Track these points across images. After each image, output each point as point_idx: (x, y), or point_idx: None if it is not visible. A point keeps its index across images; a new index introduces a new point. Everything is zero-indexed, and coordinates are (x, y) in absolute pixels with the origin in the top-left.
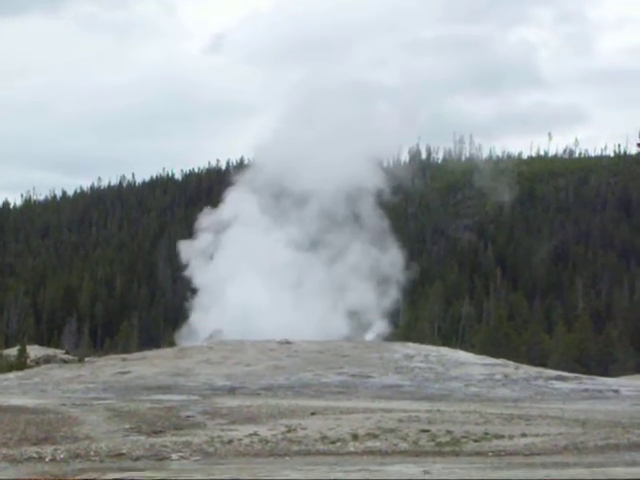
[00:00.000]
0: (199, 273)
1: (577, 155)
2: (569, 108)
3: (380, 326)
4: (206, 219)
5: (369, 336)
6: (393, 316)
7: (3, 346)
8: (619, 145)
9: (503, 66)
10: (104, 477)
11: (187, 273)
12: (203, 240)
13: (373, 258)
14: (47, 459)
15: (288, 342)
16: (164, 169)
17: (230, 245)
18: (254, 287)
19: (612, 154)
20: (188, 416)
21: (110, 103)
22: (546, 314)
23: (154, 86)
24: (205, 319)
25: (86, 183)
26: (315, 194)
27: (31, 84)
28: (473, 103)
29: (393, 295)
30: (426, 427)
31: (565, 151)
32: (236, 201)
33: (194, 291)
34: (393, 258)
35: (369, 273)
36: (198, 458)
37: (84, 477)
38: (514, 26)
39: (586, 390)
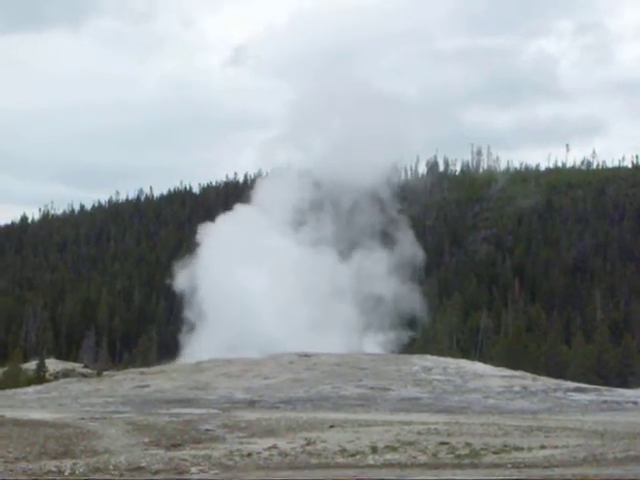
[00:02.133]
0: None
1: (595, 166)
2: (587, 119)
3: (398, 336)
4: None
5: (384, 347)
6: (411, 328)
7: (22, 360)
8: (637, 156)
9: (522, 77)
10: None
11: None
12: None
13: (391, 270)
14: (66, 473)
15: (307, 355)
16: (182, 182)
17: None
18: (269, 295)
19: (630, 165)
20: (207, 429)
21: (129, 117)
22: (564, 325)
23: (172, 100)
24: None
25: (104, 197)
26: (333, 203)
27: (50, 98)
28: (492, 115)
29: (411, 307)
30: (445, 439)
31: (583, 162)
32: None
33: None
34: (411, 269)
35: (386, 286)
36: (217, 472)
37: None
38: (534, 38)
39: (605, 402)
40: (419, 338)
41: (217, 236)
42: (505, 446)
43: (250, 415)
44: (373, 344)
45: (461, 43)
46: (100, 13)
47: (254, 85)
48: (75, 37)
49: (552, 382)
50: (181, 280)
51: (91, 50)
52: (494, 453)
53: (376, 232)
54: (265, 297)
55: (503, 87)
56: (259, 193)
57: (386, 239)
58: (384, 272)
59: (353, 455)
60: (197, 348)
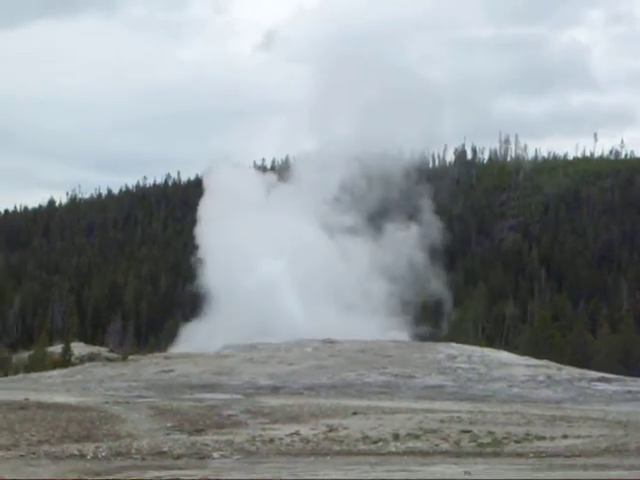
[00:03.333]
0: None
1: (623, 156)
2: (617, 109)
3: (422, 327)
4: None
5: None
6: (437, 316)
7: (48, 344)
8: None
9: (553, 67)
10: (144, 476)
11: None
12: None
13: (417, 257)
14: (89, 456)
15: (331, 342)
16: (210, 168)
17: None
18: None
19: None
20: (230, 415)
21: (158, 102)
22: (590, 315)
23: (202, 85)
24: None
25: (132, 181)
26: (358, 188)
27: (79, 83)
28: (521, 104)
29: (437, 295)
30: (468, 428)
31: (611, 152)
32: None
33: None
34: (437, 257)
35: (411, 273)
36: (239, 457)
37: (124, 476)
38: (565, 27)
39: (629, 392)
40: (444, 325)
41: (242, 217)
42: (527, 435)
43: (273, 401)
44: (398, 331)
45: (492, 32)
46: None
47: (284, 69)
48: (108, 23)
49: (577, 372)
50: (204, 264)
51: (123, 36)
52: (516, 442)
53: (403, 219)
54: (289, 281)
55: (533, 76)
56: (288, 176)
57: (412, 226)
58: (409, 259)
59: (375, 442)
60: (219, 334)
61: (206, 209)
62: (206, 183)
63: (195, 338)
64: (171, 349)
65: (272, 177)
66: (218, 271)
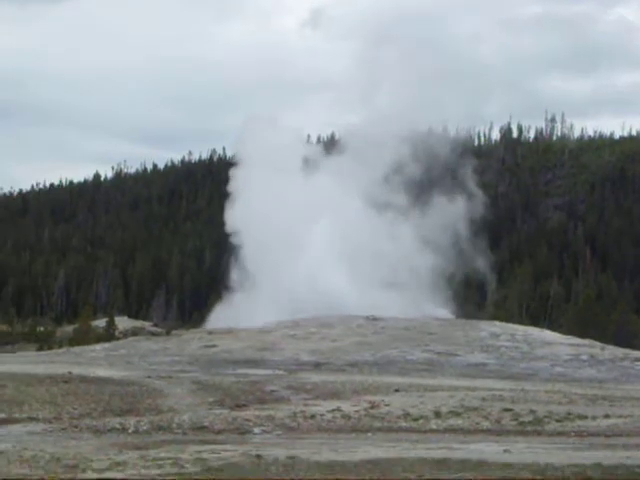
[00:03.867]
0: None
1: None
2: None
3: (466, 305)
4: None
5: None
6: (481, 294)
7: (92, 318)
8: None
9: (601, 46)
10: (185, 450)
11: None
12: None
13: (462, 234)
14: (130, 430)
15: (375, 318)
16: (246, 129)
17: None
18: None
19: None
20: (272, 390)
21: (205, 78)
22: (635, 295)
23: (249, 61)
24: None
25: (177, 157)
26: (404, 164)
27: (127, 58)
28: (568, 82)
29: (481, 273)
30: (509, 406)
31: None
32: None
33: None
34: (481, 238)
35: (456, 250)
36: (280, 432)
37: (164, 449)
38: (613, 5)
39: None
40: (488, 304)
41: (283, 187)
42: (569, 414)
43: (315, 377)
44: (442, 308)
45: (539, 10)
46: None
47: (330, 47)
48: None
49: (620, 351)
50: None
51: (172, 11)
52: (557, 421)
53: (448, 195)
54: (334, 257)
55: (580, 55)
56: (333, 151)
57: (458, 202)
58: (455, 236)
59: (416, 420)
60: (262, 310)
61: (243, 178)
62: (241, 149)
63: (237, 314)
64: (208, 325)
65: (318, 150)
66: (260, 246)
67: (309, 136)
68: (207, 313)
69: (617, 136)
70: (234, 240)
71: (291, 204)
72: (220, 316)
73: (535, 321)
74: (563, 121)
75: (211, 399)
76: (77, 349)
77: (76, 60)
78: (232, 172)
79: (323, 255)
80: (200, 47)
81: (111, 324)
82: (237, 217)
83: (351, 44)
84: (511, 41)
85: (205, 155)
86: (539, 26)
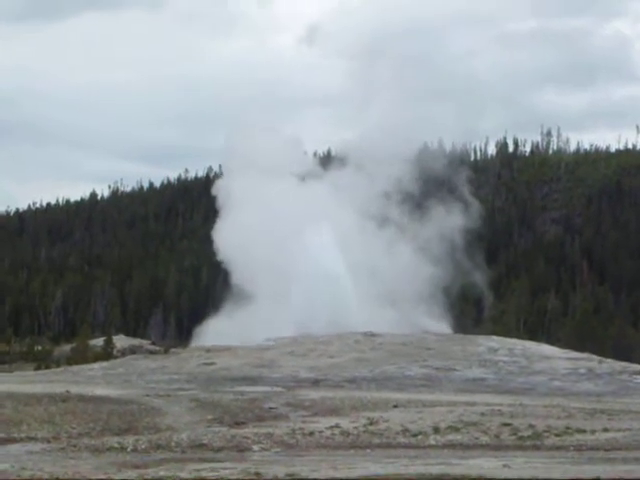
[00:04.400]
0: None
1: None
2: None
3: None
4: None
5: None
6: (478, 309)
7: (90, 336)
8: None
9: (596, 59)
10: (184, 469)
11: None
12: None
13: (459, 249)
14: (129, 449)
15: (373, 334)
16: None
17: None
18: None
19: None
20: (271, 408)
21: (200, 95)
22: (632, 308)
23: (244, 78)
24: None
25: (173, 174)
26: (400, 181)
27: (123, 76)
28: (564, 96)
29: (479, 288)
30: (508, 421)
31: None
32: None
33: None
34: (477, 253)
35: (453, 265)
36: (279, 450)
37: (163, 468)
38: (609, 19)
39: None
40: (486, 318)
41: (280, 199)
42: (568, 428)
43: (314, 394)
44: (439, 324)
45: (535, 24)
46: None
47: (327, 63)
48: (153, 16)
49: (618, 365)
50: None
51: (167, 29)
52: (556, 435)
53: (445, 210)
54: (333, 273)
55: (576, 69)
56: (330, 167)
57: (455, 217)
58: (452, 251)
59: (415, 435)
60: (258, 326)
61: (231, 189)
62: (230, 156)
63: (233, 330)
64: (203, 341)
65: (313, 163)
66: (254, 260)
67: (305, 152)
68: (203, 330)
69: (613, 149)
70: (223, 256)
71: (284, 216)
72: (216, 333)
73: (533, 335)
74: (559, 135)
75: (210, 417)
76: (75, 368)
77: (71, 78)
78: (219, 183)
79: (320, 270)
80: (196, 65)
81: (109, 343)
82: (227, 231)
83: (347, 60)
84: (507, 56)
85: (201, 173)
86: (534, 41)
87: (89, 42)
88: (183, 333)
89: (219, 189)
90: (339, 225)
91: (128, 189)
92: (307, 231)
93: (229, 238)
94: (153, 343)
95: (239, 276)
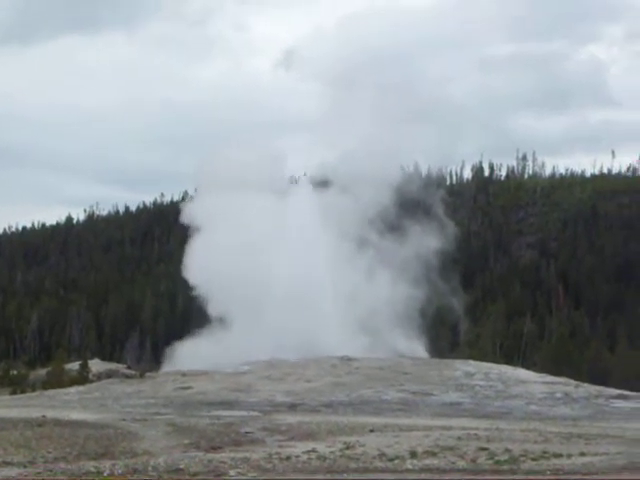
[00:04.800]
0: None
1: None
2: (635, 126)
3: (440, 344)
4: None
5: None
6: (454, 333)
7: (65, 361)
8: None
9: (573, 84)
10: None
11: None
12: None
13: (434, 274)
14: (105, 473)
15: (349, 359)
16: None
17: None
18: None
19: None
20: (247, 432)
21: (176, 118)
22: (608, 332)
23: (221, 102)
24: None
25: (149, 198)
26: (376, 204)
27: (98, 99)
28: (540, 120)
29: (455, 313)
30: (485, 445)
31: (629, 169)
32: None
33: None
34: (453, 276)
35: (429, 290)
36: (255, 475)
37: None
38: (584, 44)
39: None
40: (462, 342)
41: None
42: (545, 452)
43: (291, 418)
44: (415, 347)
45: (511, 49)
46: (156, 17)
47: (302, 88)
48: (129, 39)
49: (594, 389)
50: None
51: (143, 53)
52: (533, 459)
53: (419, 235)
54: (308, 297)
55: (551, 93)
56: (306, 191)
57: (430, 242)
58: (427, 276)
59: (392, 460)
60: (234, 350)
61: (204, 207)
62: (202, 175)
63: (208, 354)
64: (178, 365)
65: (291, 187)
66: (231, 284)
67: (282, 172)
68: (177, 353)
69: (588, 174)
70: (195, 279)
71: (257, 237)
72: (191, 356)
73: (509, 359)
74: (534, 159)
75: (186, 441)
76: (51, 392)
77: (48, 102)
78: (189, 206)
79: (296, 294)
80: (173, 88)
81: (84, 367)
82: (198, 254)
83: (324, 85)
84: (483, 80)
85: (177, 197)
86: (511, 65)
87: (66, 66)
88: (159, 357)
89: (190, 210)
90: (314, 247)
91: (104, 213)
92: (282, 252)
93: (200, 261)
94: (129, 367)
95: (212, 299)
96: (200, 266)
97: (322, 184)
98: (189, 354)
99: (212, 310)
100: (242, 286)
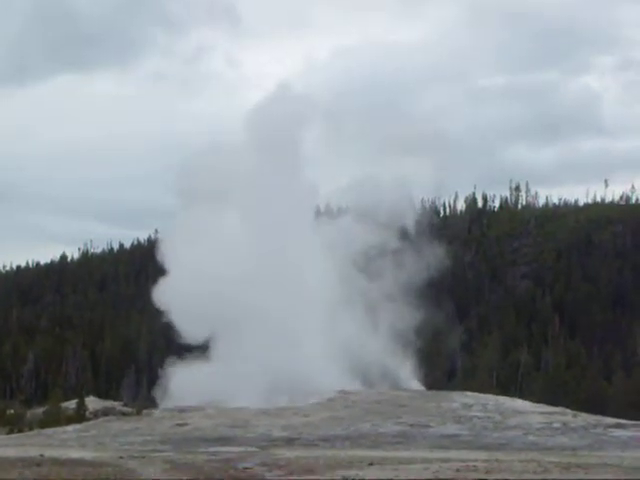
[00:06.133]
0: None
1: (634, 201)
2: (628, 155)
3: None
4: None
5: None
6: (451, 365)
7: (62, 399)
8: None
9: (565, 114)
10: None
11: None
12: None
13: (429, 306)
14: None
15: (346, 392)
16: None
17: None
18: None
19: None
20: (246, 468)
21: (169, 155)
22: (604, 361)
23: (215, 137)
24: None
25: (143, 235)
26: (369, 235)
27: (92, 136)
28: (533, 151)
29: (450, 344)
30: (484, 477)
31: (622, 197)
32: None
33: None
34: (448, 307)
35: (423, 322)
36: None
37: None
38: (577, 74)
39: None
40: (459, 374)
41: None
42: None
43: (289, 453)
44: (411, 380)
45: (504, 80)
46: (149, 54)
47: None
48: (122, 77)
49: (592, 418)
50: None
51: (137, 89)
52: None
53: (414, 266)
54: (301, 333)
55: (544, 123)
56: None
57: (424, 273)
58: (422, 307)
59: None
60: (230, 386)
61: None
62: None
63: (203, 389)
64: (164, 399)
65: None
66: (222, 319)
67: None
68: (166, 387)
69: (582, 203)
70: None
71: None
72: (182, 390)
73: (506, 390)
74: (528, 189)
75: (184, 478)
76: (48, 431)
77: (41, 140)
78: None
79: (288, 330)
80: (166, 124)
81: (81, 405)
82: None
83: (317, 116)
84: (476, 112)
85: None
86: (504, 96)
87: (59, 104)
88: (155, 395)
89: (171, 233)
90: (303, 279)
91: (98, 250)
92: (273, 284)
93: (172, 290)
94: (125, 405)
95: (190, 330)
96: (173, 294)
97: (315, 215)
98: (183, 383)
99: (192, 340)
100: (224, 319)
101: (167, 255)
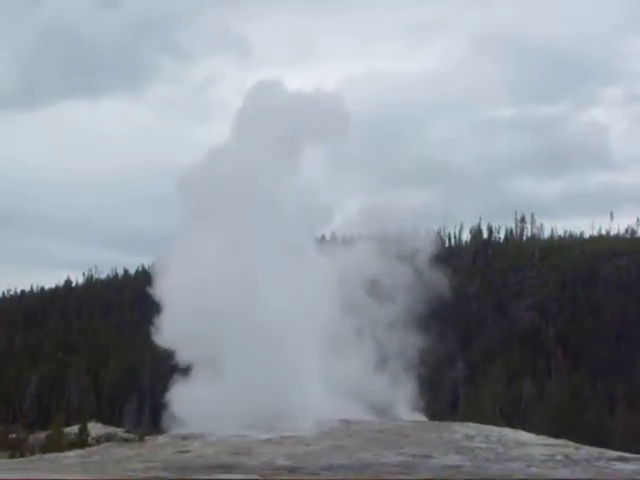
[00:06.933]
0: None
1: (639, 234)
2: (634, 188)
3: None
4: None
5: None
6: (454, 396)
7: (64, 424)
8: None
9: (572, 147)
10: None
11: None
12: None
13: (431, 337)
14: None
15: (348, 422)
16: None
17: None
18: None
19: None
20: None
21: (174, 180)
22: (608, 394)
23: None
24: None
25: (147, 261)
26: (372, 265)
27: (99, 162)
28: (539, 183)
29: (453, 375)
30: None
31: (627, 230)
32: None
33: None
34: (452, 338)
35: (426, 353)
36: None
37: None
38: (584, 107)
39: None
40: (462, 405)
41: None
42: None
43: None
44: (413, 411)
45: (511, 112)
46: (159, 82)
47: None
48: (131, 103)
49: (595, 451)
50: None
51: (145, 116)
52: None
53: (417, 296)
54: (306, 363)
55: (551, 156)
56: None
57: (428, 304)
58: (425, 338)
59: None
60: (229, 413)
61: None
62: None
63: (204, 415)
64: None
65: None
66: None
67: None
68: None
69: (587, 235)
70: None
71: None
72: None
73: (509, 422)
74: (533, 221)
75: None
76: (51, 456)
77: (49, 166)
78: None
79: (282, 356)
80: (173, 151)
81: (84, 430)
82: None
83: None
84: (483, 143)
85: None
86: (511, 128)
87: (65, 130)
88: (158, 421)
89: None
90: (306, 305)
91: (103, 276)
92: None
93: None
94: (128, 431)
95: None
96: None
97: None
98: (185, 400)
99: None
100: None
101: (161, 287)
